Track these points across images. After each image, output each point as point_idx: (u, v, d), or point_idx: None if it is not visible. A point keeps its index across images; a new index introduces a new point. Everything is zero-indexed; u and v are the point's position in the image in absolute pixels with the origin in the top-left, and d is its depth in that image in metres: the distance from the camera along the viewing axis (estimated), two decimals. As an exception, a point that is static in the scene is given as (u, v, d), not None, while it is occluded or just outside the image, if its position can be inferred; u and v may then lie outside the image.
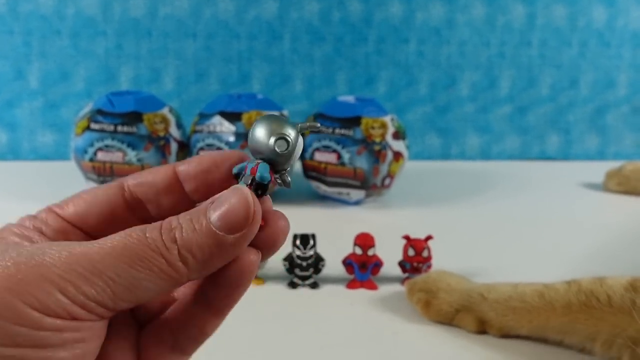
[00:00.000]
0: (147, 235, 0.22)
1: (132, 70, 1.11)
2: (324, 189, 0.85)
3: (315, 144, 0.83)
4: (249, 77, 1.14)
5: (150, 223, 0.24)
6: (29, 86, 1.10)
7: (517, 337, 0.49)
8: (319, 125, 0.28)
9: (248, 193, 0.24)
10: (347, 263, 0.59)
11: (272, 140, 0.26)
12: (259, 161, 0.26)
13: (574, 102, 1.21)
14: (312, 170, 0.85)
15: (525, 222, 0.81)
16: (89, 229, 0.27)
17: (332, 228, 0.76)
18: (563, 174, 1.09)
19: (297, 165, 0.89)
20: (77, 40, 1.09)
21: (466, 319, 0.51)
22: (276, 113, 0.25)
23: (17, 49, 1.08)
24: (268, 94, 1.12)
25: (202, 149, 0.83)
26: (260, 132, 0.26)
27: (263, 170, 0.26)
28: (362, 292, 0.58)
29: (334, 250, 0.60)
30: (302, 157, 0.86)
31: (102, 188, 0.27)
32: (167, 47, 1.11)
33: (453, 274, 0.56)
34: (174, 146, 0.83)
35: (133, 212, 0.27)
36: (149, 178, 0.27)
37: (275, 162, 0.27)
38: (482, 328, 0.50)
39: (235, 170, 0.28)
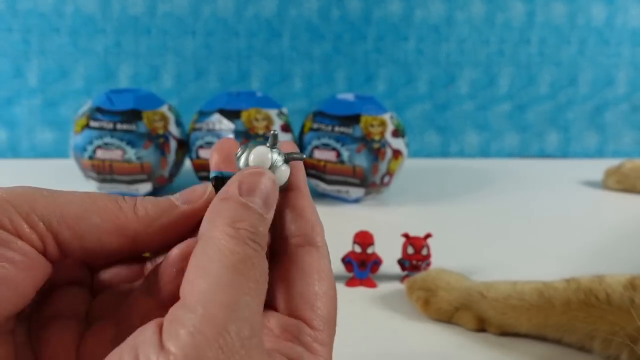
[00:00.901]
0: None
1: (131, 68, 1.11)
2: (323, 186, 0.85)
3: (315, 142, 0.83)
4: (248, 74, 1.14)
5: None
6: (28, 84, 1.09)
7: (516, 335, 0.49)
8: (301, 155, 0.28)
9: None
10: (346, 261, 0.59)
11: (287, 169, 0.26)
12: None
13: (573, 100, 1.21)
14: (311, 168, 0.85)
15: (524, 220, 0.81)
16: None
17: (331, 226, 0.76)
18: (562, 171, 1.09)
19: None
20: (76, 38, 1.09)
21: (465, 316, 0.51)
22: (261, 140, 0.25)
23: (16, 47, 1.08)
24: (267, 92, 1.12)
25: (201, 146, 0.83)
26: (270, 157, 0.26)
27: None
28: (361, 290, 0.58)
29: (333, 248, 0.60)
30: (301, 155, 0.85)
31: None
32: (167, 44, 1.11)
33: (452, 272, 0.56)
34: (173, 144, 0.83)
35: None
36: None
37: None
38: (481, 326, 0.50)
39: (216, 174, 0.27)
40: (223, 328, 0.20)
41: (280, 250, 0.27)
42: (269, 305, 0.25)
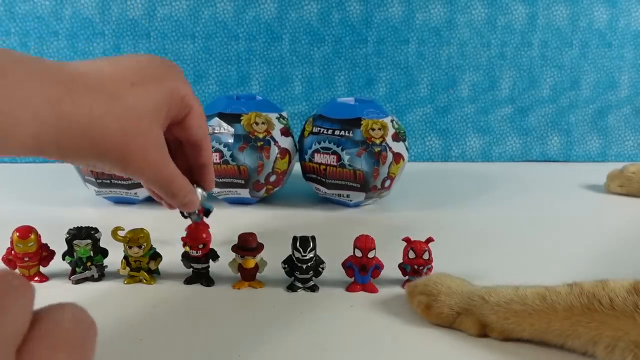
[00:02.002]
0: None
1: (130, 72, 1.10)
2: (323, 191, 0.84)
3: (315, 146, 0.82)
4: (248, 78, 1.13)
5: None
6: (28, 88, 1.09)
7: (519, 340, 0.49)
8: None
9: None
10: (347, 266, 0.59)
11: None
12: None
13: (575, 103, 1.20)
14: (311, 172, 0.84)
15: (526, 224, 0.81)
16: None
17: (332, 230, 0.76)
18: (564, 175, 1.08)
19: (297, 167, 0.88)
20: (74, 41, 1.09)
21: (467, 322, 0.50)
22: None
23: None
24: (267, 95, 1.12)
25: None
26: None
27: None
28: (362, 295, 0.58)
29: (334, 253, 0.60)
30: (301, 158, 0.85)
31: None
32: (166, 48, 1.10)
33: (454, 276, 0.55)
34: (172, 148, 0.83)
35: None
36: None
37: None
38: (483, 331, 0.50)
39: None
40: None
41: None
42: None
